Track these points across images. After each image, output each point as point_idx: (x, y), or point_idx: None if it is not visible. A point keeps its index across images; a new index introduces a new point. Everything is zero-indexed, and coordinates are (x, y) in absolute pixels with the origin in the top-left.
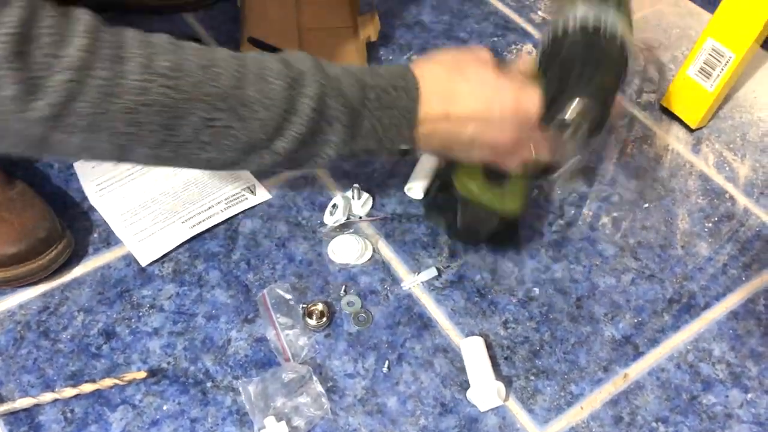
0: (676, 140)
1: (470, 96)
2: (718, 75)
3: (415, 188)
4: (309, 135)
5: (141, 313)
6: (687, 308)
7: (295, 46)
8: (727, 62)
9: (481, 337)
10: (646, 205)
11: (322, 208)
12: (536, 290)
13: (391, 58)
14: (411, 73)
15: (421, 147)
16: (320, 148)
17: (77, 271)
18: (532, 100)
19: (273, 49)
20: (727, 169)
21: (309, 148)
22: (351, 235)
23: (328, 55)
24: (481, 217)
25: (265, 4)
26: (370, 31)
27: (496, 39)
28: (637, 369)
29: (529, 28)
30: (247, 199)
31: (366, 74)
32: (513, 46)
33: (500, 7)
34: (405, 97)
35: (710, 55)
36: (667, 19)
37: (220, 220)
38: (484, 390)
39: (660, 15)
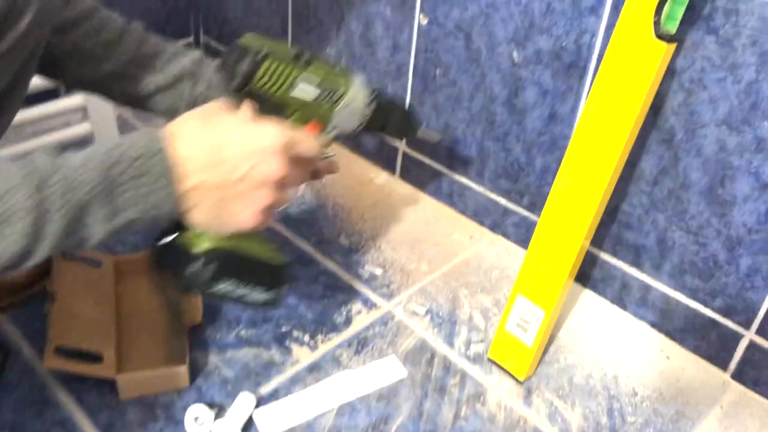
0: (507, 394)
1: (234, 136)
2: (534, 329)
3: None
4: (70, 224)
5: None
6: None
7: (112, 345)
8: (539, 318)
9: None
10: None
11: None
12: None
13: (218, 336)
14: (156, 138)
15: (194, 207)
16: (85, 231)
17: None
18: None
19: (85, 355)
20: (560, 420)
21: (74, 236)
22: None
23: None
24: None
25: (77, 305)
26: (193, 313)
27: (326, 300)
28: None
29: (357, 285)
30: None
31: (110, 152)
32: (343, 306)
33: (330, 265)
34: (156, 161)
35: (523, 311)
36: (487, 260)
37: None
38: None
39: (479, 256)
